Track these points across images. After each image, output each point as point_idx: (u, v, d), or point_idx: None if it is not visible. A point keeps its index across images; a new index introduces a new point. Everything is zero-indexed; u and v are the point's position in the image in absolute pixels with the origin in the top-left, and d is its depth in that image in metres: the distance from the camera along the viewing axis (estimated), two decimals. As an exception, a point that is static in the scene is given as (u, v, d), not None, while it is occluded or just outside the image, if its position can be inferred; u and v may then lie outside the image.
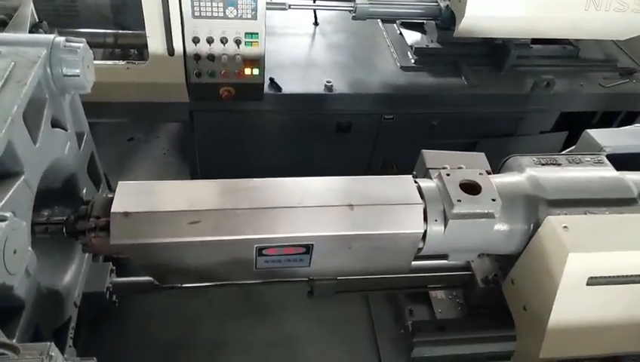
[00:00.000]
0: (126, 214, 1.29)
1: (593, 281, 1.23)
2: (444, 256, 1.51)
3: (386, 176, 1.46)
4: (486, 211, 1.33)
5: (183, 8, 2.15)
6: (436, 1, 2.77)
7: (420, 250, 1.42)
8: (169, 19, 2.15)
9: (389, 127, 2.81)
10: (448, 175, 1.40)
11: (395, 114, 2.76)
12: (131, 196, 1.33)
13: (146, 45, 2.26)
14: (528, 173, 1.45)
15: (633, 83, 2.98)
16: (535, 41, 3.01)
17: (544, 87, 2.80)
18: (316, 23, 3.21)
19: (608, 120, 3.14)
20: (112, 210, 1.28)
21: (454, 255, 1.49)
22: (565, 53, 3.06)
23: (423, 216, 1.36)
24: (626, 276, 1.24)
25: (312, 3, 2.90)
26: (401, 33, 3.10)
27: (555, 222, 1.26)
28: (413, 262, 1.49)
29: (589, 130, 1.65)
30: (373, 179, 1.46)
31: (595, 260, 1.22)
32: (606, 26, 2.70)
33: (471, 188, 1.37)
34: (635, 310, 1.34)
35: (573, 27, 2.68)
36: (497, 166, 1.63)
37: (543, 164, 1.49)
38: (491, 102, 2.82)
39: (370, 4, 2.73)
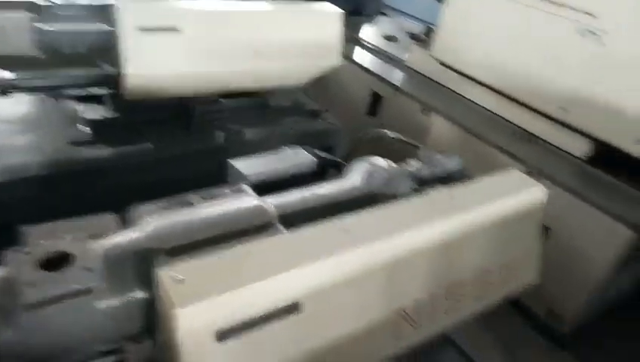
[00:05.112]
0: None
1: (225, 335, 0.98)
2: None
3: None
4: (77, 288, 0.99)
5: None
6: (100, 68, 2.49)
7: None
8: None
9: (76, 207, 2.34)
10: (28, 253, 1.03)
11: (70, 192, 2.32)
12: None
13: None
14: (147, 223, 1.17)
15: (320, 122, 3.16)
16: (227, 95, 2.97)
17: (237, 138, 2.74)
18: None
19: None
20: None
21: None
22: (256, 104, 3.09)
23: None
24: (261, 316, 1.01)
25: None
26: (75, 108, 2.72)
27: (165, 277, 0.98)
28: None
29: (231, 161, 1.50)
30: None
31: (215, 309, 0.96)
32: (275, 74, 2.80)
33: (61, 261, 1.02)
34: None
35: (243, 79, 2.70)
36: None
37: (169, 209, 1.23)
38: (183, 161, 2.62)
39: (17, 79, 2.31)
